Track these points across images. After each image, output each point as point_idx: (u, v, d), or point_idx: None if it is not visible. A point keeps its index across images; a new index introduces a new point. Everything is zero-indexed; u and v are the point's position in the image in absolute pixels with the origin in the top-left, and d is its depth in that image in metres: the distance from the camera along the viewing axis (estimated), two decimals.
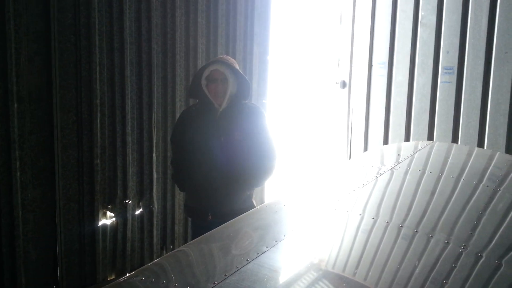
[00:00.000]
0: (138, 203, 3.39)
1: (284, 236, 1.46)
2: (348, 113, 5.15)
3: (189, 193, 2.82)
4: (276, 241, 1.42)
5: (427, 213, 1.66)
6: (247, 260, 1.29)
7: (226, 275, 1.22)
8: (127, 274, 1.27)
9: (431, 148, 2.64)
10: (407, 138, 4.65)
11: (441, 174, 2.07)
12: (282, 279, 1.26)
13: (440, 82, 4.34)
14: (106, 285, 1.28)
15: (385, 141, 4.83)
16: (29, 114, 2.69)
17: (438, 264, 1.30)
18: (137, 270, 1.30)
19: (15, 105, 2.61)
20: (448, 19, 4.21)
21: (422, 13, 4.37)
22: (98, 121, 3.01)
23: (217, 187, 2.62)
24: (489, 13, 3.96)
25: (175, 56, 3.48)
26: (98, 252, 3.12)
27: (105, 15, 3.01)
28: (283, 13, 5.37)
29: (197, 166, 2.66)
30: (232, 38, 3.88)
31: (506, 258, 1.34)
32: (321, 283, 1.23)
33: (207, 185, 2.63)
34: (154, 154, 3.42)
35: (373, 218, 1.57)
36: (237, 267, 1.25)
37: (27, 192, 2.73)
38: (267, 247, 1.36)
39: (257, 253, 1.32)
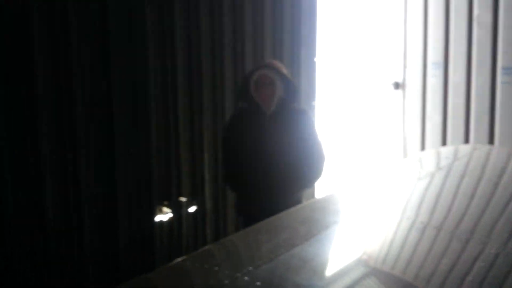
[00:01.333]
0: (192, 202, 3.54)
1: (320, 231, 1.53)
2: (403, 114, 5.07)
3: (240, 194, 2.92)
4: (312, 235, 1.50)
5: (480, 218, 1.65)
6: (282, 251, 1.37)
7: (260, 263, 1.31)
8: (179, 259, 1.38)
9: (488, 153, 2.60)
10: (466, 141, 4.52)
11: (492, 180, 2.06)
12: (312, 269, 1.32)
13: (500, 82, 4.19)
14: (154, 271, 1.40)
15: (443, 143, 4.71)
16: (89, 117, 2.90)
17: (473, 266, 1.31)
18: (186, 255, 1.42)
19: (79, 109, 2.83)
20: (505, 17, 4.05)
21: (477, 12, 4.23)
22: (154, 123, 3.19)
23: (267, 189, 2.71)
24: None
25: (223, 60, 3.60)
26: (156, 245, 3.27)
27: (154, 22, 3.17)
28: (331, 14, 5.36)
29: (248, 168, 2.76)
30: (278, 41, 3.94)
31: None
32: (350, 277, 1.29)
33: (258, 187, 2.73)
34: (205, 155, 3.55)
35: (408, 219, 1.61)
36: (271, 257, 1.33)
37: (91, 189, 2.93)
38: (302, 241, 1.45)
39: (292, 245, 1.42)
